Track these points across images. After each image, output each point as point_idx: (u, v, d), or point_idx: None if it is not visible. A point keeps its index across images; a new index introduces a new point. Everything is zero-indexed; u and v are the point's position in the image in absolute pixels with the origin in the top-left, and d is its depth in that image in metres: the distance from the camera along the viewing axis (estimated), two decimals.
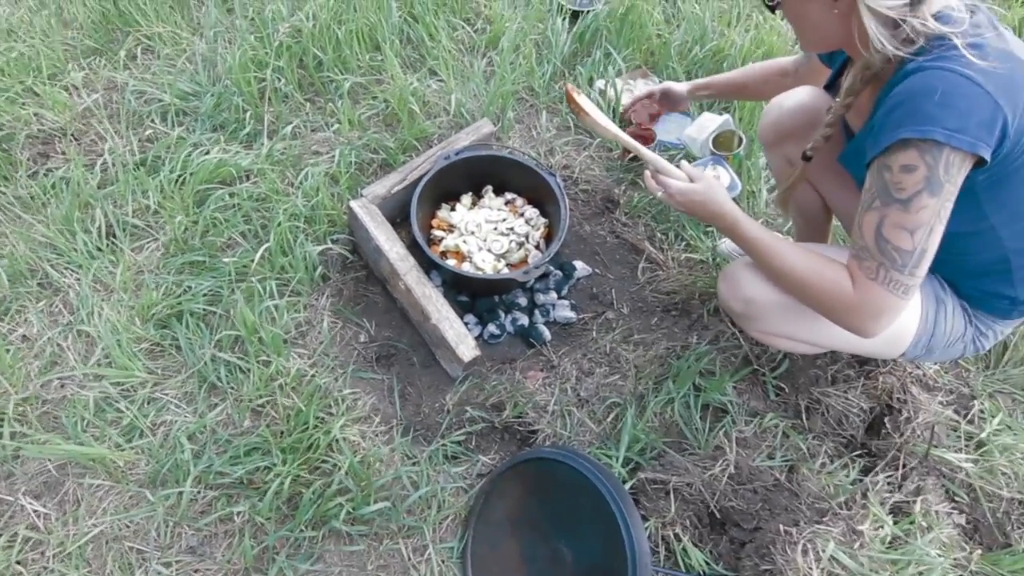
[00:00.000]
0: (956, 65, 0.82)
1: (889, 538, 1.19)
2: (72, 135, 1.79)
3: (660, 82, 1.99)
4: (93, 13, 2.01)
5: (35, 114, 1.79)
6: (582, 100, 1.30)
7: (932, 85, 0.83)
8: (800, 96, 1.32)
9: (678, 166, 1.19)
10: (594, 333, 1.56)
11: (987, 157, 0.84)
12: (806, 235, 1.50)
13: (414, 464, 1.35)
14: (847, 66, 1.17)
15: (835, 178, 1.26)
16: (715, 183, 1.13)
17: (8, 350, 1.42)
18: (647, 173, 1.21)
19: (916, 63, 0.86)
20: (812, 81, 1.34)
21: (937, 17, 0.86)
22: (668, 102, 1.74)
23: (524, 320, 1.57)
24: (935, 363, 1.49)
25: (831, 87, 1.22)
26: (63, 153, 1.75)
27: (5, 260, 1.54)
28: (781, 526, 1.15)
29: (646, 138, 1.79)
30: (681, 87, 1.69)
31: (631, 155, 1.60)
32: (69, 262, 1.56)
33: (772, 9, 0.99)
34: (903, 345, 1.12)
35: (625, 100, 1.89)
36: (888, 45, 0.86)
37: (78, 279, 1.53)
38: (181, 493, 1.26)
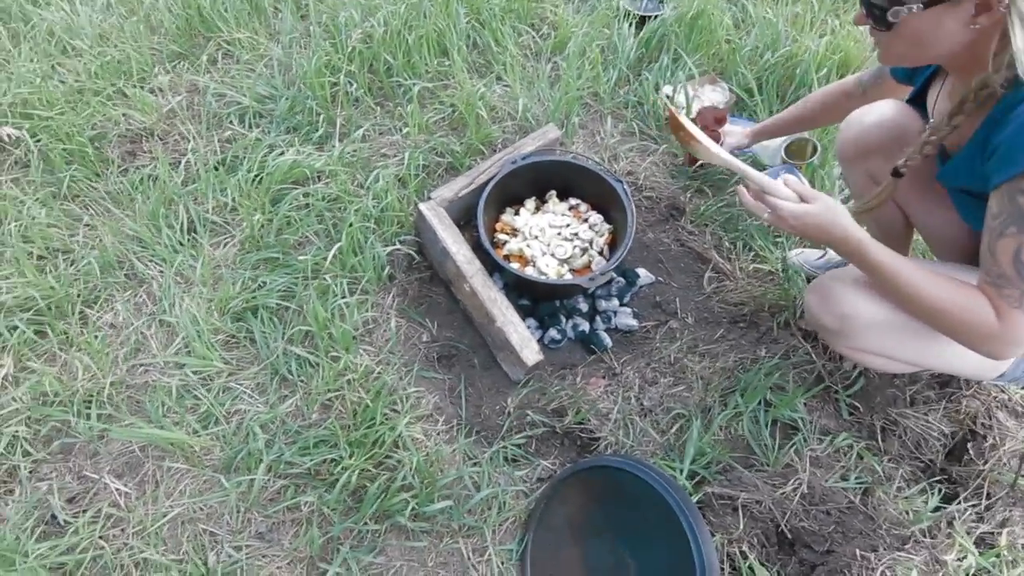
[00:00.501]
0: None
1: (973, 570, 1.13)
2: (158, 135, 1.88)
3: (729, 88, 1.96)
4: (178, 20, 2.12)
5: (124, 115, 1.90)
6: (689, 125, 1.18)
7: None
8: (882, 111, 1.26)
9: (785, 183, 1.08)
10: (657, 342, 1.54)
11: None
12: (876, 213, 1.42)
13: (475, 465, 1.36)
14: (933, 80, 1.13)
15: (923, 195, 1.21)
16: (835, 203, 1.02)
17: (97, 336, 1.50)
18: (743, 191, 1.09)
19: None
20: (877, 95, 1.29)
21: None
22: (725, 139, 1.70)
23: (585, 326, 1.57)
24: None
25: (914, 101, 1.17)
26: (150, 152, 1.85)
27: (96, 251, 1.63)
28: (858, 551, 1.11)
29: (713, 140, 1.74)
30: (737, 136, 1.65)
31: (698, 162, 1.54)
32: (154, 255, 1.64)
33: (887, 27, 0.89)
34: (1003, 366, 1.06)
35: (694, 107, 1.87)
36: None
37: (161, 272, 1.61)
38: (253, 480, 1.31)
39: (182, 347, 1.49)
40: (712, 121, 1.73)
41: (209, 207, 1.70)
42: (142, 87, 1.98)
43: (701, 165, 1.80)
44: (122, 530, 1.30)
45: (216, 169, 1.78)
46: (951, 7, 0.81)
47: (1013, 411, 1.37)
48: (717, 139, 1.73)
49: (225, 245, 1.66)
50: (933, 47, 0.89)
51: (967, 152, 0.97)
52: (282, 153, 1.76)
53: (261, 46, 2.06)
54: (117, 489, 1.33)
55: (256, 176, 1.73)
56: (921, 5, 0.82)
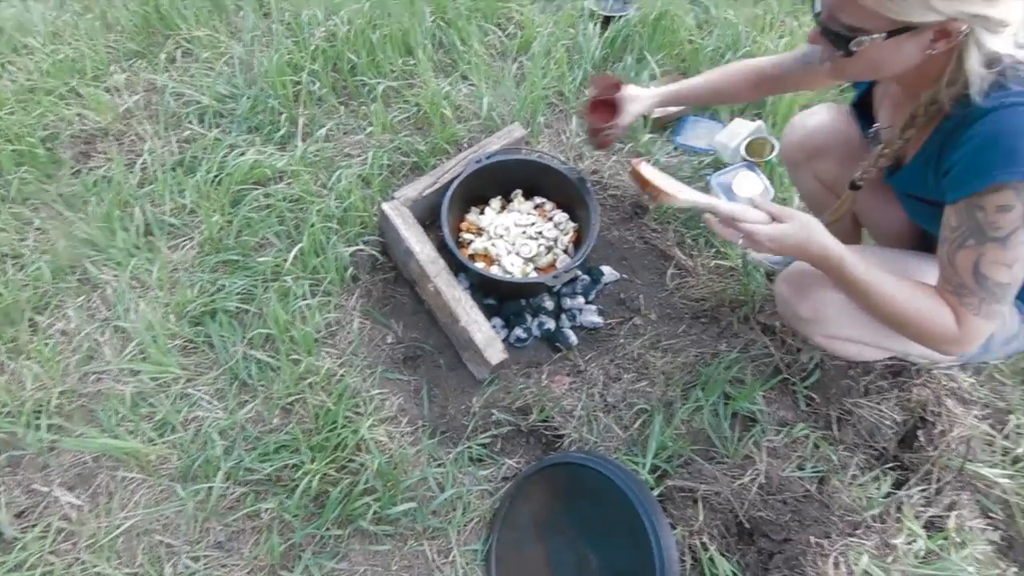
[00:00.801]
0: None
1: (923, 553, 1.17)
2: (113, 135, 1.84)
3: None
4: (135, 17, 2.07)
5: (78, 114, 1.85)
6: (653, 175, 1.08)
7: (1021, 123, 0.82)
8: (823, 115, 1.30)
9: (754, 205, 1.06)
10: (621, 339, 1.55)
11: None
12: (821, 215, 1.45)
13: (440, 466, 1.35)
14: (874, 89, 1.15)
15: (872, 195, 1.23)
16: (808, 219, 1.00)
17: (47, 344, 1.46)
18: (712, 220, 1.05)
19: (990, 100, 0.83)
20: (798, 83, 1.29)
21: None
22: (632, 102, 1.45)
23: (551, 324, 1.57)
24: (987, 362, 1.45)
25: (858, 107, 1.20)
26: (104, 153, 1.80)
27: (47, 256, 1.58)
28: (812, 538, 1.13)
29: (611, 103, 1.48)
30: (643, 102, 1.44)
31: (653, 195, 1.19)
32: (108, 259, 1.60)
33: (847, 55, 0.89)
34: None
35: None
36: (986, 86, 0.83)
37: (116, 276, 1.57)
38: (211, 488, 1.28)
39: (137, 353, 1.46)
40: (609, 88, 1.49)
41: (166, 209, 1.67)
42: (97, 86, 1.93)
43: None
44: (74, 544, 1.26)
45: (174, 170, 1.74)
46: (912, 35, 0.82)
47: (961, 398, 1.42)
48: (613, 108, 1.49)
49: (183, 248, 1.63)
50: (888, 69, 0.91)
51: (917, 162, 1.01)
52: (243, 153, 1.74)
53: (222, 44, 2.03)
54: (68, 502, 1.29)
55: (215, 177, 1.70)
56: (884, 35, 0.83)
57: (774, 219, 1.02)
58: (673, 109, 1.90)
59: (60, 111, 1.84)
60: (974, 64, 0.82)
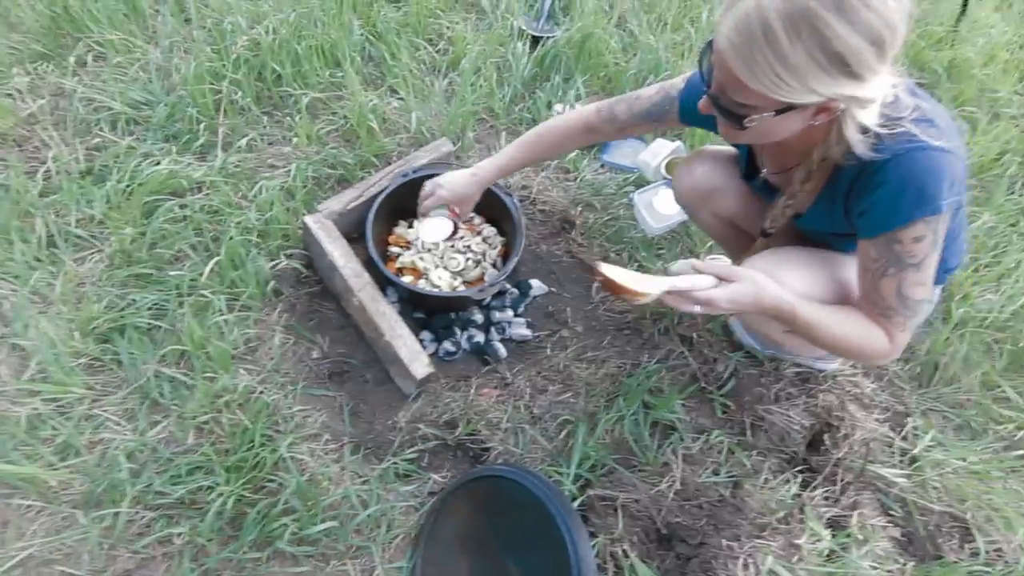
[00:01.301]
0: (927, 140, 0.92)
1: (826, 552, 1.23)
2: (14, 140, 1.73)
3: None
4: (42, 17, 1.96)
5: None
6: (620, 276, 1.03)
7: (924, 167, 0.93)
8: (706, 161, 1.38)
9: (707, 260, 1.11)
10: (549, 351, 1.58)
11: None
12: (733, 245, 1.52)
13: (364, 483, 1.33)
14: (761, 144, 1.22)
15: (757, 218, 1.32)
16: (754, 274, 1.06)
17: None
18: (668, 299, 1.06)
19: (885, 149, 0.93)
20: (636, 131, 1.35)
21: (891, 105, 0.93)
22: (462, 203, 1.51)
23: (480, 337, 1.58)
24: None
25: (745, 159, 1.27)
26: (3, 159, 1.69)
27: None
28: (724, 541, 1.18)
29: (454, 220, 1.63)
30: (469, 187, 1.46)
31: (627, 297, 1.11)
32: (6, 272, 1.49)
33: (740, 128, 0.95)
34: None
35: None
36: (865, 148, 0.93)
37: (15, 290, 1.47)
38: (118, 514, 1.21)
39: (37, 373, 1.37)
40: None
41: (72, 220, 1.58)
42: None
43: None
44: None
45: (81, 178, 1.65)
46: (797, 111, 0.90)
47: (863, 403, 1.51)
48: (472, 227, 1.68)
49: (90, 261, 1.54)
50: (776, 136, 1.00)
51: (819, 208, 1.13)
52: (158, 163, 1.67)
53: (137, 49, 1.94)
54: None
55: (127, 187, 1.62)
56: (772, 113, 0.90)
57: (722, 279, 1.06)
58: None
59: None
60: (852, 132, 0.93)
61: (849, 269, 1.17)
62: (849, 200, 1.04)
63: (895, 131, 0.93)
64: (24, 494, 1.24)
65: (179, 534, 1.23)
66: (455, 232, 1.66)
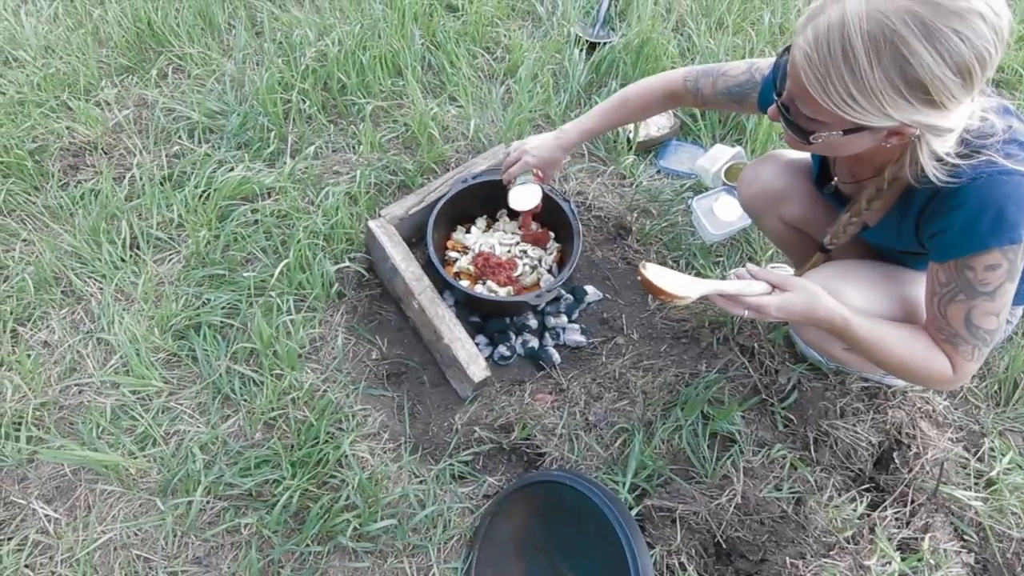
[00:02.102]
0: (1013, 164, 0.87)
1: (897, 575, 1.18)
2: (103, 149, 1.85)
3: (673, 114, 2.02)
4: (128, 33, 2.09)
5: (68, 128, 1.86)
6: (661, 278, 1.04)
7: (1005, 192, 0.88)
8: (773, 165, 1.35)
9: (745, 267, 1.08)
10: (603, 358, 1.57)
11: None
12: (797, 252, 1.49)
13: (421, 483, 1.36)
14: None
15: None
16: (809, 285, 1.04)
17: (29, 355, 1.45)
18: (717, 299, 1.07)
19: (966, 173, 0.88)
20: (717, 108, 1.33)
21: (980, 134, 0.89)
22: (548, 167, 1.52)
23: (534, 342, 1.59)
24: None
25: (817, 165, 1.24)
26: (93, 166, 1.81)
27: (32, 267, 1.58)
28: (787, 559, 1.15)
29: (540, 238, 1.68)
30: (554, 152, 1.46)
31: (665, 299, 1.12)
32: (93, 271, 1.60)
33: (807, 142, 0.93)
34: None
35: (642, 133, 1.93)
36: (939, 174, 0.89)
37: (101, 288, 1.57)
38: (191, 503, 1.28)
39: (120, 366, 1.46)
40: (532, 225, 1.67)
41: (154, 223, 1.67)
42: (87, 100, 1.95)
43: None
44: (50, 557, 1.25)
45: (162, 184, 1.75)
46: (867, 132, 0.87)
47: (935, 421, 1.45)
48: (545, 238, 1.67)
49: (169, 261, 1.63)
50: (844, 153, 0.97)
51: (887, 226, 1.08)
52: (231, 169, 1.75)
53: (213, 62, 2.05)
54: (46, 515, 1.29)
55: (203, 192, 1.71)
56: (841, 132, 0.87)
57: (775, 288, 1.06)
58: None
59: (50, 124, 1.85)
60: (926, 159, 0.88)
61: (918, 287, 1.12)
62: (921, 220, 0.99)
63: (976, 160, 0.88)
64: (107, 480, 1.32)
65: (247, 525, 1.28)
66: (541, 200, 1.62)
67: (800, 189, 1.30)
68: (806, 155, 1.32)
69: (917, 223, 1.01)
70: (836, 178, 1.17)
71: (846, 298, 1.08)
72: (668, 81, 1.34)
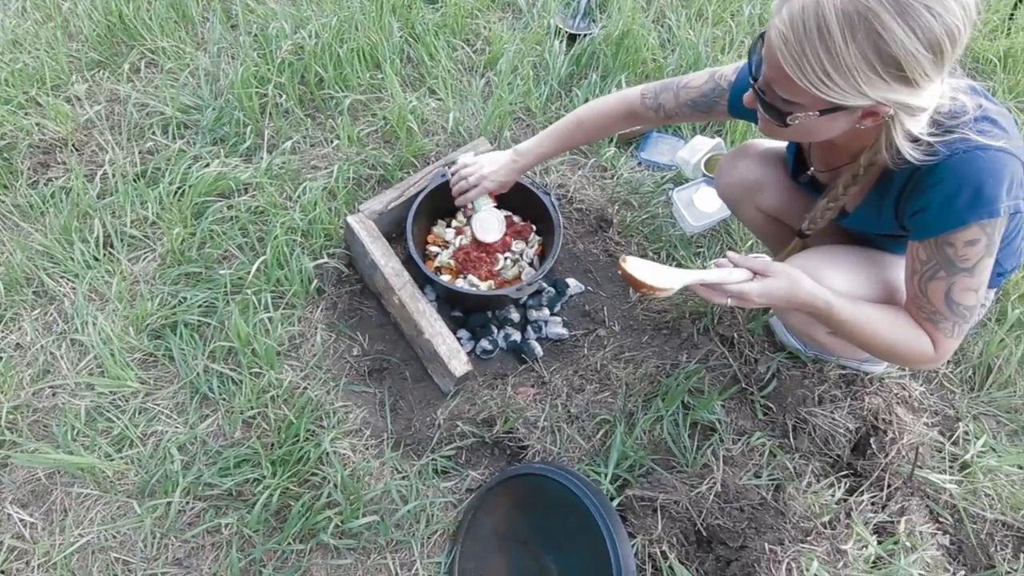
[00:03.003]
0: (987, 140, 0.88)
1: (873, 558, 1.20)
2: (73, 146, 1.81)
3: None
4: (99, 27, 2.04)
5: (37, 124, 1.81)
6: (642, 271, 1.04)
7: (981, 167, 0.89)
8: (750, 155, 1.36)
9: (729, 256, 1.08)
10: (585, 350, 1.58)
11: None
12: (775, 241, 1.50)
13: (403, 478, 1.35)
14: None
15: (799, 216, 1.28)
16: (790, 270, 1.05)
17: (1, 358, 1.42)
18: (698, 288, 1.07)
19: (949, 148, 0.90)
20: (682, 120, 1.32)
21: (951, 114, 0.90)
22: (504, 190, 1.54)
23: (516, 336, 1.59)
24: None
25: (792, 155, 1.25)
26: (64, 163, 1.77)
27: (1, 268, 1.55)
28: (767, 544, 1.16)
29: (521, 231, 1.67)
30: (511, 175, 1.47)
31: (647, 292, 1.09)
32: (65, 271, 1.57)
33: (783, 125, 0.93)
34: None
35: None
36: (915, 154, 0.90)
37: (74, 288, 1.54)
38: (169, 504, 1.26)
39: (95, 367, 1.43)
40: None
41: (128, 220, 1.64)
42: (57, 96, 1.90)
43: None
44: (27, 563, 1.23)
45: (135, 181, 1.72)
46: (843, 112, 0.88)
47: (911, 406, 1.47)
48: (527, 231, 1.66)
49: (144, 260, 1.61)
50: (818, 137, 0.98)
51: (865, 210, 1.10)
52: (207, 165, 1.72)
53: (187, 55, 2.01)
54: (21, 519, 1.27)
55: (178, 189, 1.69)
56: (817, 112, 0.88)
57: (756, 274, 1.06)
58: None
59: (18, 121, 1.80)
60: (901, 139, 0.90)
61: (897, 270, 1.13)
62: (901, 201, 1.01)
63: (949, 138, 0.89)
64: (83, 483, 1.30)
65: (227, 524, 1.27)
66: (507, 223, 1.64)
67: (775, 178, 1.31)
68: (781, 144, 1.33)
69: (897, 204, 1.02)
70: (812, 167, 1.18)
71: (828, 282, 1.09)
72: (625, 101, 1.33)
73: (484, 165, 1.49)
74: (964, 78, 0.92)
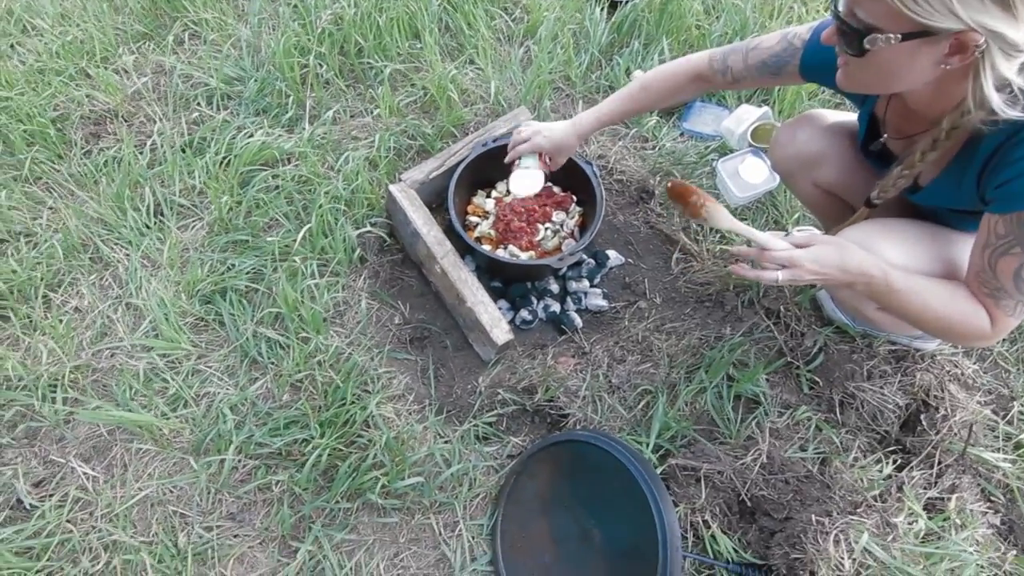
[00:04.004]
0: None
1: (923, 533, 1.18)
2: (123, 116, 1.85)
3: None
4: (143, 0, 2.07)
5: (88, 96, 1.86)
6: (696, 190, 1.07)
7: None
8: (810, 126, 1.30)
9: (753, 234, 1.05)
10: (626, 321, 1.57)
11: None
12: (828, 216, 1.45)
13: (446, 443, 1.37)
14: (886, 105, 1.11)
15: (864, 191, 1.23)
16: (835, 239, 1.02)
17: (62, 320, 1.48)
18: (741, 268, 1.07)
19: None
20: (752, 85, 1.27)
21: None
22: (558, 153, 1.50)
23: (556, 307, 1.59)
24: None
25: (865, 123, 1.17)
26: (114, 134, 1.82)
27: (60, 234, 1.60)
28: (813, 516, 1.15)
29: (562, 202, 1.66)
30: (568, 138, 1.43)
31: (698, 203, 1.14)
32: (119, 238, 1.62)
33: (860, 54, 0.87)
34: None
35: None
36: (1008, 108, 0.82)
37: (127, 255, 1.59)
38: (223, 461, 1.31)
39: (150, 330, 1.48)
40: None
41: (176, 189, 1.68)
42: (106, 68, 1.94)
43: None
44: (90, 513, 1.29)
45: (183, 151, 1.75)
46: (927, 42, 0.80)
47: (964, 384, 1.43)
48: (567, 201, 1.64)
49: (193, 228, 1.65)
50: (900, 80, 0.90)
51: (944, 182, 1.02)
52: (251, 135, 1.75)
53: (229, 27, 2.03)
54: (84, 473, 1.32)
55: (224, 158, 1.72)
56: (899, 36, 0.81)
57: (801, 247, 1.02)
58: None
59: (70, 92, 1.85)
60: (989, 87, 0.81)
61: (961, 247, 1.08)
62: (985, 172, 0.94)
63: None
64: (141, 439, 1.36)
65: (278, 482, 1.31)
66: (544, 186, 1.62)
67: (838, 152, 1.26)
68: (846, 117, 1.28)
69: (980, 175, 0.95)
70: (885, 135, 1.12)
71: (884, 255, 1.05)
72: (692, 64, 1.29)
73: (542, 124, 1.46)
74: None
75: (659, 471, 1.29)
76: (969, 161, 0.96)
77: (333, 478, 1.29)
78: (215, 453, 1.33)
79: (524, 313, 1.57)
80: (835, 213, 1.35)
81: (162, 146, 1.76)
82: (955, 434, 1.33)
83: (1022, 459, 1.34)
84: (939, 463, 1.31)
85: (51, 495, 1.29)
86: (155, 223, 1.65)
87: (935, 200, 1.09)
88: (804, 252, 1.00)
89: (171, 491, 1.32)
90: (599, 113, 1.40)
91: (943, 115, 0.94)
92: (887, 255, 1.06)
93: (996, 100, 0.82)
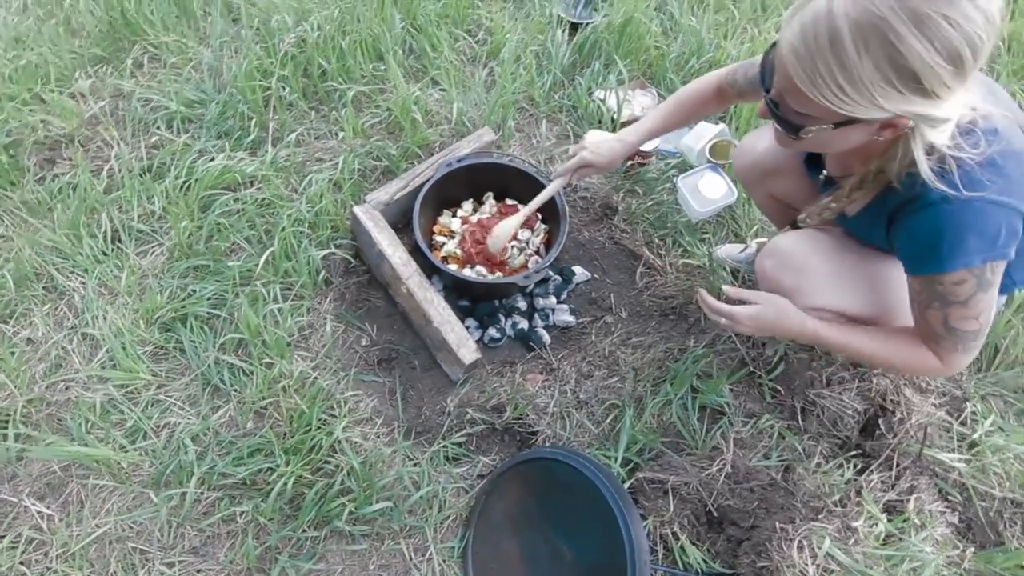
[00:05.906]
0: (982, 191, 0.84)
1: (883, 535, 1.21)
2: (79, 142, 1.81)
3: (657, 93, 2.02)
4: (101, 23, 2.04)
5: (42, 121, 1.82)
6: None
7: (968, 221, 0.86)
8: (769, 138, 1.34)
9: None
10: (593, 337, 1.59)
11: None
12: (783, 221, 1.49)
13: (415, 465, 1.36)
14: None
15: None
16: (775, 298, 1.11)
17: (13, 353, 1.43)
18: (705, 294, 1.17)
19: (936, 191, 0.86)
20: (751, 96, 1.31)
21: (967, 136, 0.86)
22: (607, 167, 1.48)
23: (524, 324, 1.60)
24: None
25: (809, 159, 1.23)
26: (70, 159, 1.78)
27: (11, 264, 1.55)
28: (777, 523, 1.17)
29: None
30: (615, 155, 1.42)
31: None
32: (75, 266, 1.58)
33: (796, 137, 0.91)
34: None
35: (625, 113, 1.92)
36: (928, 171, 0.86)
37: (83, 283, 1.55)
38: (184, 494, 1.28)
39: (106, 360, 1.44)
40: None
41: (135, 215, 1.65)
42: (61, 92, 1.90)
43: (632, 166, 1.87)
44: (45, 553, 1.24)
45: (142, 176, 1.72)
46: (859, 125, 0.84)
47: (919, 387, 1.47)
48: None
49: (152, 254, 1.61)
50: (834, 149, 0.97)
51: (863, 219, 1.08)
52: (212, 159, 1.73)
53: (190, 50, 2.01)
54: (38, 511, 1.28)
55: (184, 183, 1.69)
56: (831, 125, 0.85)
57: (746, 303, 1.12)
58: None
59: (23, 117, 1.81)
60: (919, 152, 0.85)
61: (890, 267, 1.12)
62: (891, 225, 0.99)
63: (962, 165, 0.85)
64: (98, 474, 1.32)
65: (242, 513, 1.28)
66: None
67: (792, 168, 1.30)
68: None
69: (888, 225, 1.00)
70: (824, 170, 1.16)
71: (811, 269, 1.12)
72: (715, 79, 1.33)
73: (590, 139, 1.42)
74: (984, 81, 0.89)
75: (627, 485, 1.30)
76: (881, 208, 1.00)
77: (300, 507, 1.27)
78: (176, 485, 1.30)
79: (492, 331, 1.58)
80: (788, 220, 1.40)
81: (120, 171, 1.72)
82: (911, 436, 1.38)
83: (976, 458, 1.39)
84: (897, 465, 1.34)
85: (3, 536, 1.24)
86: (112, 250, 1.61)
87: (859, 232, 1.15)
88: (744, 310, 1.10)
89: (130, 527, 1.28)
90: (642, 126, 1.41)
91: (873, 158, 0.97)
92: (815, 268, 1.13)
93: (922, 161, 0.85)
